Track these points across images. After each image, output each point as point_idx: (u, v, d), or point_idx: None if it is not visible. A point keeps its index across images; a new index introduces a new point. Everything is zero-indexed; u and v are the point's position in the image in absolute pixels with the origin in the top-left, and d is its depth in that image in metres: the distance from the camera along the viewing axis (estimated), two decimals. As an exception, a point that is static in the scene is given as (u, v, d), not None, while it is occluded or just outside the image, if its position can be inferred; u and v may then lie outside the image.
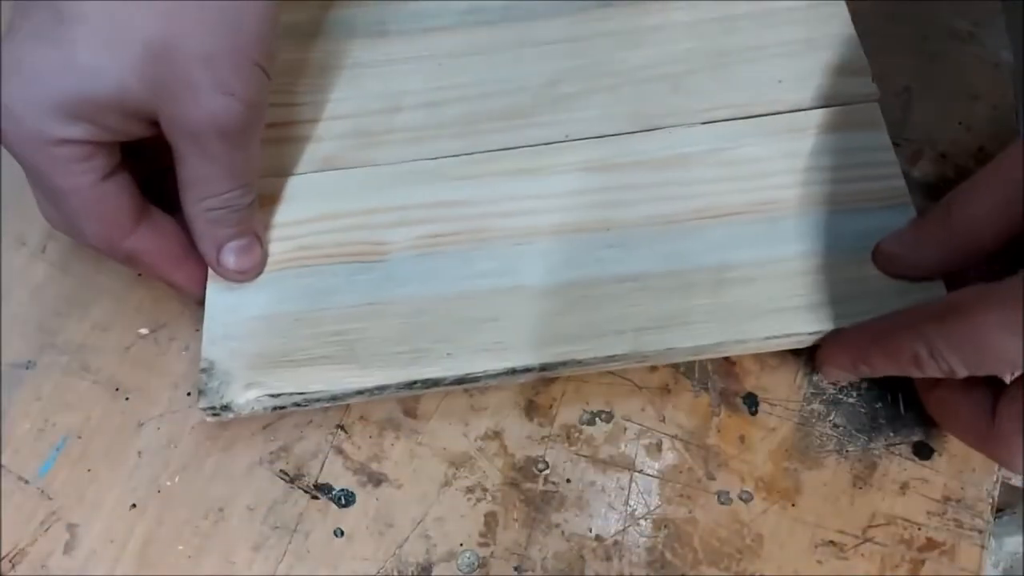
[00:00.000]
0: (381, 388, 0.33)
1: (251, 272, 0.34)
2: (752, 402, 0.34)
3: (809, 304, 0.33)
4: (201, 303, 0.34)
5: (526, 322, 0.33)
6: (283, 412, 0.33)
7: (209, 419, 0.32)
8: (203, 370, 0.32)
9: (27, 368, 0.34)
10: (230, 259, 0.33)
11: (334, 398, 0.33)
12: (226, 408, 0.32)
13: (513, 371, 0.33)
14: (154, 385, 0.34)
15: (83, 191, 0.30)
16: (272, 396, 0.32)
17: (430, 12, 0.40)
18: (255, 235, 0.34)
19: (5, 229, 0.37)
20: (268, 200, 0.36)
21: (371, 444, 0.34)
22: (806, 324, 0.33)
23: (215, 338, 0.33)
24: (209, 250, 0.33)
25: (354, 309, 0.34)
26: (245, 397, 0.32)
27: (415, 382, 0.33)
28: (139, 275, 0.36)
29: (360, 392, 0.33)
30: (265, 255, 0.34)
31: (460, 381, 0.33)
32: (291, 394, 0.32)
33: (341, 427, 0.34)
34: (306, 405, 0.33)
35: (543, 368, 0.33)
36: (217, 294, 0.34)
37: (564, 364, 0.33)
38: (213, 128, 0.29)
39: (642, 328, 0.33)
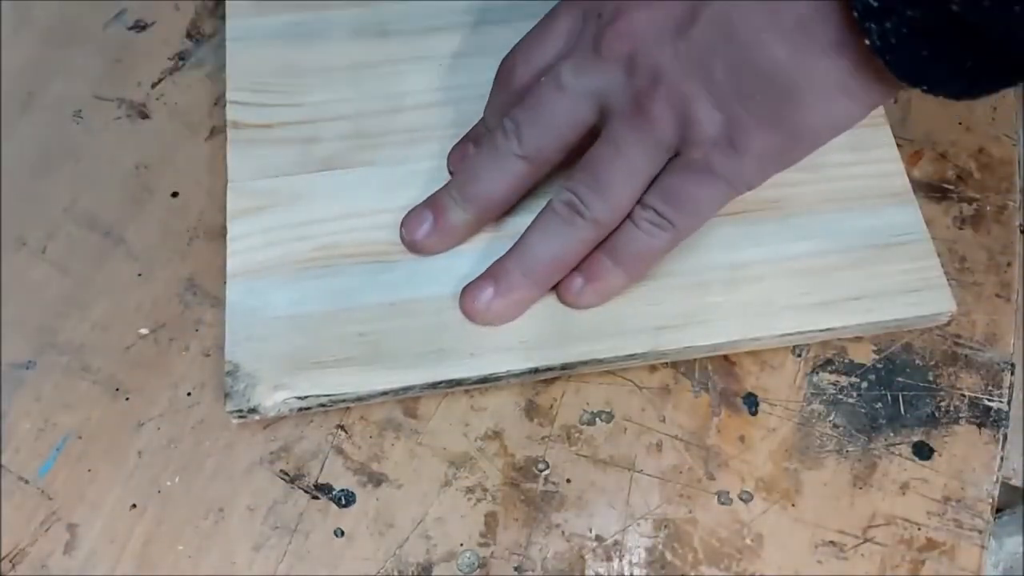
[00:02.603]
0: (407, 388, 0.33)
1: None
2: (752, 402, 0.34)
3: (822, 301, 0.34)
4: None
5: (545, 320, 0.33)
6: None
7: (235, 421, 0.33)
8: (228, 373, 0.32)
9: (27, 368, 0.34)
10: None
11: (359, 399, 0.33)
12: (253, 411, 0.32)
13: (535, 370, 0.33)
14: (154, 385, 0.34)
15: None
16: (300, 398, 0.32)
17: (430, 12, 0.40)
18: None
19: (5, 229, 0.37)
20: (278, 199, 0.36)
21: (371, 444, 0.34)
22: (820, 321, 0.34)
23: (238, 340, 0.33)
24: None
25: (377, 309, 0.34)
26: (272, 399, 0.32)
27: (440, 382, 0.33)
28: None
29: (385, 393, 0.33)
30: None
31: (484, 380, 0.33)
32: (318, 396, 0.32)
33: (341, 427, 0.34)
34: (331, 406, 0.33)
35: (564, 367, 0.33)
36: (239, 296, 0.34)
37: (585, 363, 0.33)
38: None
39: (661, 327, 0.33)
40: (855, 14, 0.25)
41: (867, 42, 0.25)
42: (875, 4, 0.24)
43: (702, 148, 0.30)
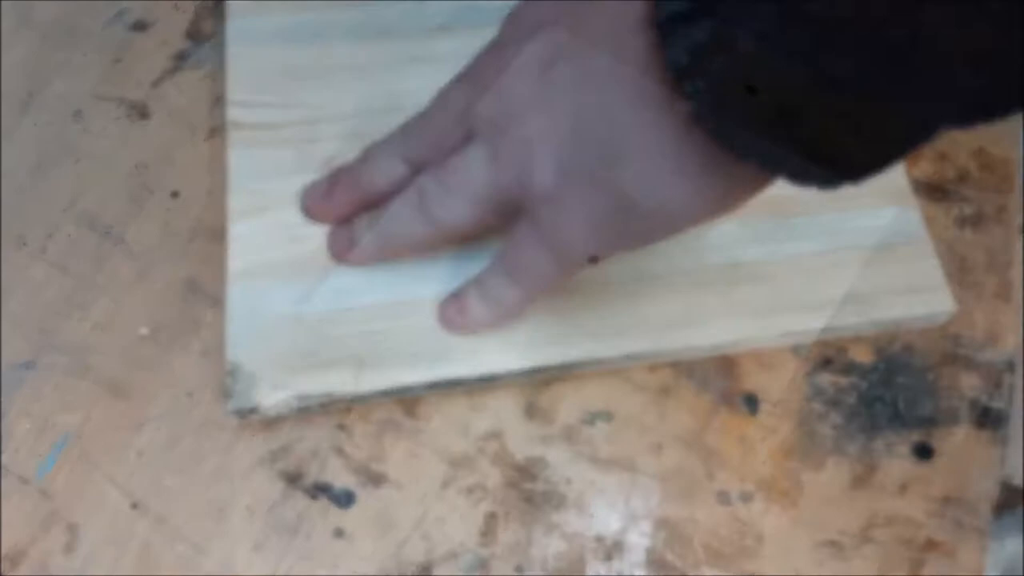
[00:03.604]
0: (407, 388, 0.33)
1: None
2: (752, 402, 0.34)
3: (821, 301, 0.34)
4: None
5: (546, 319, 0.33)
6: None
7: (236, 421, 0.33)
8: (228, 373, 0.32)
9: (27, 368, 0.34)
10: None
11: (359, 399, 0.33)
12: (253, 411, 0.32)
13: (536, 370, 0.33)
14: (154, 385, 0.34)
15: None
16: (299, 398, 0.32)
17: (430, 12, 0.40)
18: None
19: (5, 229, 0.37)
20: (278, 200, 0.36)
21: (371, 444, 0.34)
22: (820, 321, 0.34)
23: (239, 340, 0.33)
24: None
25: (378, 308, 0.34)
26: (273, 399, 0.32)
27: (440, 382, 0.33)
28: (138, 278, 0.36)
29: (385, 392, 0.33)
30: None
31: (484, 380, 0.33)
32: (318, 396, 0.32)
33: (341, 427, 0.34)
34: (331, 406, 0.33)
35: (564, 367, 0.33)
36: (239, 295, 0.34)
37: (585, 363, 0.33)
38: None
39: (661, 327, 0.33)
40: (672, 74, 0.22)
41: (688, 108, 0.22)
42: (685, 61, 0.22)
43: (531, 200, 0.28)
